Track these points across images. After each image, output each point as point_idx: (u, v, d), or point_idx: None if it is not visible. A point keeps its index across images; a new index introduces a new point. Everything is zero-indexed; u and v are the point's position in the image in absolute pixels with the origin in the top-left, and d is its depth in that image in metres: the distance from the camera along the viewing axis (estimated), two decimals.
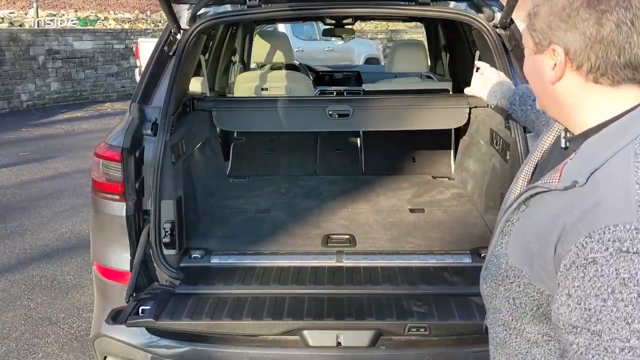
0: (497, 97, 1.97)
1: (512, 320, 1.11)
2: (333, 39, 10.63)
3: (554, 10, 0.97)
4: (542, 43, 1.01)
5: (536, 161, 1.21)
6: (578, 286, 0.88)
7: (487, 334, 1.26)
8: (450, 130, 3.77)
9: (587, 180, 0.92)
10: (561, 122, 1.08)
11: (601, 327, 0.85)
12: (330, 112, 3.33)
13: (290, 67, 4.90)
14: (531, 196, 1.05)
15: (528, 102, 1.76)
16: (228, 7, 2.67)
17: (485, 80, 2.07)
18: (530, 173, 1.20)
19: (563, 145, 1.08)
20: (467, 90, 2.18)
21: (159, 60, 2.59)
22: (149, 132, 2.37)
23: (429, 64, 4.87)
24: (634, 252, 0.83)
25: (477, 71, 2.13)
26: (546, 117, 1.51)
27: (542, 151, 1.20)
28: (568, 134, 1.08)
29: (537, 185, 1.03)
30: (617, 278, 0.84)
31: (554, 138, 1.18)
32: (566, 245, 0.90)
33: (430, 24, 5.13)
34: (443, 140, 3.86)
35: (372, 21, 14.06)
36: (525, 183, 1.20)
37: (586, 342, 0.87)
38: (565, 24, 0.96)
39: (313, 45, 12.42)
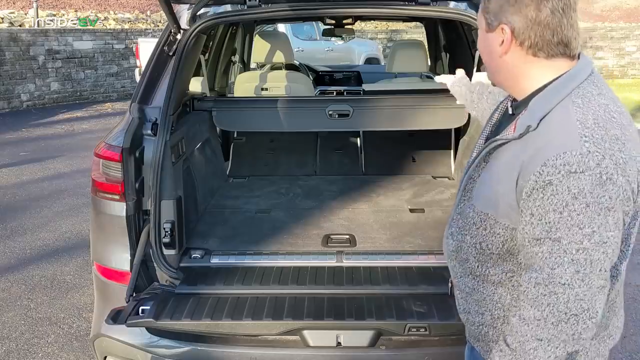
0: (460, 84, 2.11)
1: (478, 266, 1.31)
2: (333, 39, 10.61)
3: None
4: (493, 23, 1.24)
5: (486, 135, 1.42)
6: (539, 205, 1.10)
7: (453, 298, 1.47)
8: (450, 130, 3.77)
9: (538, 124, 1.16)
10: (509, 91, 1.32)
11: (560, 235, 1.09)
12: (330, 112, 3.33)
13: (290, 67, 4.90)
14: (490, 152, 1.27)
15: (484, 92, 1.90)
16: (228, 7, 2.67)
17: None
18: (482, 144, 1.40)
19: (510, 112, 1.32)
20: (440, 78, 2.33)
21: (159, 60, 2.59)
22: (149, 132, 2.37)
23: (429, 64, 4.87)
24: (580, 172, 1.07)
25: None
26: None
27: (492, 126, 1.43)
28: (513, 103, 1.32)
29: (496, 139, 1.25)
30: (569, 194, 1.07)
31: (500, 114, 1.42)
32: (526, 176, 1.12)
33: (430, 24, 5.13)
34: (443, 140, 3.86)
35: (372, 21, 14.07)
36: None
37: (549, 248, 1.10)
38: (512, 8, 1.19)
39: (313, 45, 12.42)
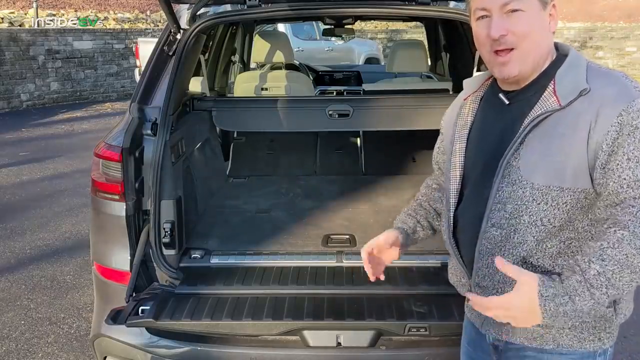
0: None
1: (536, 244, 1.31)
2: (333, 38, 10.64)
3: None
4: (547, 1, 1.31)
5: (466, 137, 1.46)
6: (634, 149, 1.19)
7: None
8: None
9: (589, 86, 1.25)
10: (531, 72, 1.34)
11: None
12: (330, 112, 3.32)
13: (290, 67, 4.90)
14: (529, 132, 1.29)
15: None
16: (228, 7, 2.67)
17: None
18: (464, 148, 1.46)
19: (507, 102, 1.37)
20: None
21: (159, 60, 2.58)
22: (149, 132, 2.37)
23: (429, 64, 4.86)
24: None
25: None
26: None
27: (468, 127, 1.47)
28: (505, 94, 1.38)
29: (537, 115, 1.28)
30: None
31: (473, 113, 1.47)
32: (601, 130, 1.21)
33: (430, 24, 5.13)
34: None
35: (372, 21, 14.07)
36: (462, 157, 1.46)
37: None
38: None
39: (313, 45, 12.42)
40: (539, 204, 1.29)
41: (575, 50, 1.34)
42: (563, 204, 1.27)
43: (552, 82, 1.29)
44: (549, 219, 1.29)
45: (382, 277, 1.70)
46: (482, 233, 1.37)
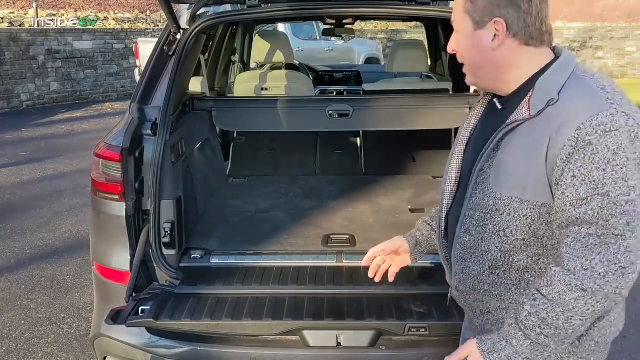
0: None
1: (500, 256, 1.31)
2: (333, 38, 10.63)
3: None
4: (483, 20, 1.29)
5: (466, 140, 1.47)
6: (580, 166, 1.14)
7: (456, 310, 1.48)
8: (450, 130, 3.77)
9: (558, 97, 1.21)
10: (492, 87, 1.37)
11: (607, 189, 1.13)
12: (330, 112, 3.32)
13: (290, 67, 4.90)
14: (500, 140, 1.29)
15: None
16: (228, 7, 2.67)
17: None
18: (463, 151, 1.47)
19: (500, 107, 1.37)
20: None
21: (159, 60, 2.58)
22: (149, 132, 2.37)
23: (429, 64, 4.86)
24: (614, 130, 1.13)
25: None
26: None
27: (470, 129, 1.47)
28: (499, 99, 1.37)
29: (507, 124, 1.28)
30: (609, 151, 1.13)
31: (478, 116, 1.47)
32: (558, 145, 1.17)
33: (430, 24, 5.13)
34: (443, 140, 3.85)
35: (372, 21, 14.07)
36: (460, 160, 1.47)
37: (599, 203, 1.13)
38: (505, 1, 1.26)
39: (313, 45, 12.42)
40: (501, 214, 1.28)
41: (567, 54, 1.30)
42: (524, 216, 1.25)
43: (532, 89, 1.27)
44: (511, 230, 1.27)
45: (390, 279, 1.81)
46: (456, 238, 1.40)
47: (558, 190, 1.18)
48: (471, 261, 1.36)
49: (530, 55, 1.29)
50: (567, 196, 1.16)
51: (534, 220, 1.24)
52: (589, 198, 1.13)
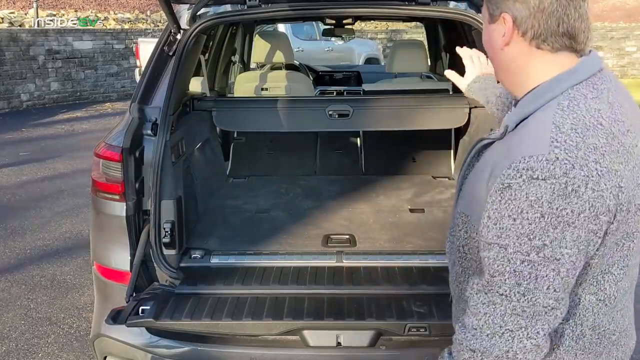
0: (475, 92, 1.83)
1: (462, 272, 1.24)
2: (333, 39, 10.62)
3: None
4: (494, 13, 1.14)
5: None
6: (496, 208, 1.01)
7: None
8: (450, 130, 3.77)
9: (516, 126, 1.09)
10: (510, 89, 1.22)
11: (507, 242, 1.00)
12: (330, 112, 3.33)
13: (290, 67, 4.90)
14: (479, 151, 1.21)
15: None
16: (228, 7, 2.67)
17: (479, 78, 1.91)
18: None
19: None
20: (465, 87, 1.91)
21: (159, 60, 2.58)
22: (149, 132, 2.37)
23: (429, 64, 4.87)
24: (542, 179, 0.97)
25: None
26: None
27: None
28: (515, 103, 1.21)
29: (483, 138, 1.20)
30: (526, 200, 0.98)
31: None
32: (493, 179, 1.04)
33: (430, 24, 5.13)
34: (443, 140, 3.86)
35: (372, 21, 14.06)
36: None
37: (494, 254, 1.02)
38: None
39: (313, 45, 12.41)
40: (460, 230, 1.22)
41: (574, 70, 1.10)
42: (473, 239, 1.16)
43: (514, 106, 1.15)
44: (468, 248, 1.19)
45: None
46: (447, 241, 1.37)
47: (480, 224, 1.07)
48: (450, 266, 1.33)
49: (543, 60, 1.11)
50: (482, 235, 1.05)
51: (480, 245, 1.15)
52: (491, 245, 1.02)
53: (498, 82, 1.29)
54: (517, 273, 1.00)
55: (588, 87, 1.07)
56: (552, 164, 0.97)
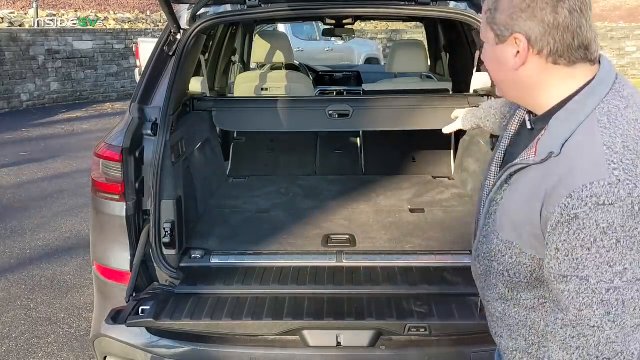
0: (469, 119, 2.03)
1: (508, 292, 1.22)
2: (333, 39, 10.63)
3: (515, 3, 1.08)
4: (503, 34, 1.11)
5: (505, 148, 1.32)
6: (564, 240, 1.00)
7: (483, 316, 1.41)
8: None
9: (561, 150, 1.05)
10: (524, 105, 1.21)
11: (588, 273, 0.99)
12: (330, 112, 3.33)
13: (290, 67, 4.90)
14: (511, 175, 1.17)
15: (491, 111, 1.86)
16: (228, 7, 2.67)
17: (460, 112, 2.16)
18: (501, 159, 1.32)
19: (529, 127, 1.21)
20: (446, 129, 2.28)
21: (159, 60, 2.59)
22: (149, 132, 2.37)
23: (429, 64, 4.87)
24: (609, 204, 0.96)
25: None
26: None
27: (509, 138, 1.32)
28: (532, 117, 1.21)
29: (515, 163, 1.15)
30: (597, 228, 0.97)
31: (519, 124, 1.30)
32: (550, 207, 1.02)
33: (430, 24, 5.13)
34: (443, 140, 3.85)
35: (372, 21, 14.06)
36: (498, 168, 1.32)
37: (576, 287, 1.00)
38: (525, 14, 1.07)
39: (313, 45, 12.42)
40: (504, 256, 1.19)
41: (596, 83, 1.08)
42: (524, 264, 1.15)
43: (545, 127, 1.12)
44: (514, 273, 1.18)
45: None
46: (472, 259, 1.35)
47: (545, 258, 1.06)
48: (485, 286, 1.30)
49: (560, 75, 1.10)
50: (552, 267, 1.04)
51: (534, 269, 1.14)
52: (569, 278, 1.01)
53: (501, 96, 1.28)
54: (605, 302, 0.99)
55: (616, 98, 1.07)
56: (616, 187, 0.96)
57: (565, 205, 0.99)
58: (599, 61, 1.12)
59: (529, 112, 1.22)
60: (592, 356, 1.01)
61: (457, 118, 2.15)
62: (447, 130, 2.22)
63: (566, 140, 1.05)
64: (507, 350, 1.30)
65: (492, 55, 1.17)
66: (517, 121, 1.32)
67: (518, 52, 1.10)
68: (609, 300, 0.99)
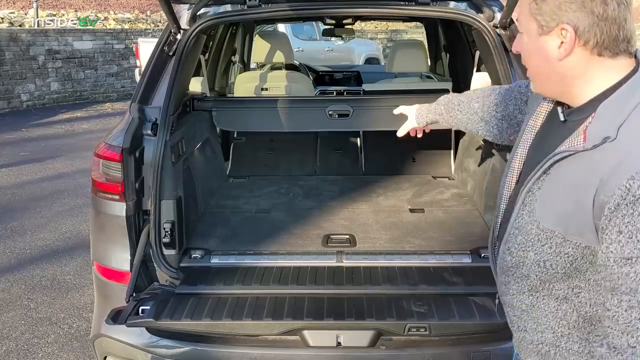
0: (424, 116, 2.00)
1: (540, 283, 1.21)
2: (333, 39, 10.63)
3: None
4: (549, 25, 1.12)
5: (529, 143, 1.32)
6: (628, 222, 1.00)
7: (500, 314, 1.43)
8: (450, 130, 3.77)
9: (617, 134, 1.05)
10: (559, 97, 1.21)
11: None
12: (330, 112, 3.33)
13: (290, 67, 4.90)
14: (551, 165, 1.16)
15: (455, 107, 1.86)
16: (228, 7, 2.67)
17: (409, 110, 2.09)
18: (525, 154, 1.32)
19: (562, 119, 1.21)
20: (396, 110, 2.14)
21: (159, 60, 2.59)
22: (149, 132, 2.37)
23: (429, 64, 4.87)
24: None
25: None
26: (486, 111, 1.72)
27: (533, 132, 1.32)
28: (565, 109, 1.21)
29: (561, 151, 1.14)
30: None
31: (543, 119, 1.31)
32: (608, 191, 1.02)
33: (430, 24, 5.14)
34: (443, 140, 3.86)
35: (372, 21, 14.07)
36: (521, 164, 1.32)
37: None
38: (574, 5, 1.08)
39: (313, 45, 12.42)
40: (543, 245, 1.18)
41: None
42: (565, 254, 1.14)
43: (592, 114, 1.11)
44: (551, 264, 1.17)
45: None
46: (500, 252, 1.33)
47: (603, 243, 1.05)
48: (512, 279, 1.29)
49: (603, 67, 1.11)
50: (612, 252, 1.03)
51: (576, 258, 1.14)
52: (634, 259, 1.01)
53: (536, 92, 1.26)
54: None
55: None
56: None
57: (627, 187, 0.99)
58: (635, 55, 1.14)
59: (560, 105, 1.22)
60: None
61: (408, 116, 2.06)
62: (401, 132, 2.08)
63: (620, 125, 1.06)
64: (531, 344, 1.29)
65: (534, 47, 1.17)
66: (542, 116, 1.31)
67: (562, 42, 1.11)
68: None
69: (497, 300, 1.52)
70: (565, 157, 1.13)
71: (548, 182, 1.18)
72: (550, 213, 1.16)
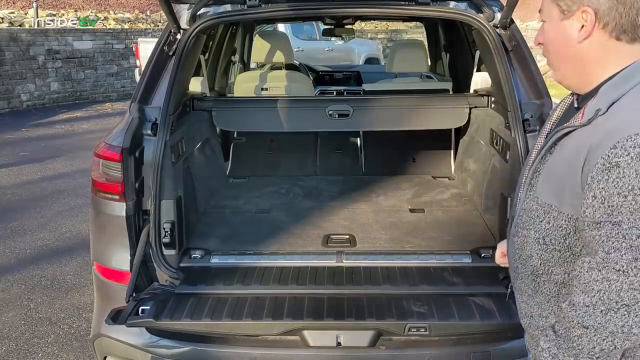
0: None
1: (541, 264, 1.27)
2: (333, 38, 10.63)
3: None
4: (570, 9, 1.18)
5: (546, 133, 1.37)
6: (602, 188, 1.06)
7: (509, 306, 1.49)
8: (450, 130, 3.77)
9: (608, 109, 1.11)
10: (573, 84, 1.27)
11: (621, 218, 1.04)
12: (330, 112, 3.33)
13: (290, 67, 4.90)
14: (555, 142, 1.22)
15: None
16: (228, 7, 2.67)
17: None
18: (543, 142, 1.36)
19: (576, 105, 1.27)
20: None
21: (159, 60, 2.58)
22: (149, 132, 2.37)
23: (429, 64, 4.86)
24: None
25: None
26: None
27: (552, 123, 1.39)
28: (577, 97, 1.28)
29: (561, 128, 1.21)
30: (636, 177, 1.02)
31: (562, 110, 1.37)
32: (593, 160, 1.08)
33: (430, 24, 5.13)
34: (443, 140, 3.86)
35: (372, 21, 14.06)
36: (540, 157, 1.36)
37: (607, 232, 1.06)
38: None
39: (313, 45, 12.42)
40: (541, 221, 1.24)
41: None
42: (559, 227, 1.20)
43: (595, 95, 1.18)
44: (550, 239, 1.23)
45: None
46: (510, 236, 1.38)
47: (581, 208, 1.11)
48: (519, 263, 1.34)
49: (620, 51, 1.17)
50: (586, 216, 1.09)
51: (569, 233, 1.19)
52: (602, 223, 1.06)
53: (556, 81, 1.31)
54: (634, 248, 1.03)
55: None
56: None
57: (608, 155, 1.04)
58: None
59: (576, 94, 1.28)
60: (612, 300, 1.06)
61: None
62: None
63: (614, 101, 1.11)
64: (536, 330, 1.33)
65: (556, 32, 1.23)
66: (559, 108, 1.38)
67: (583, 26, 1.16)
68: (638, 246, 1.03)
69: (509, 290, 1.56)
70: (566, 133, 1.19)
71: (551, 159, 1.24)
72: (549, 188, 1.22)
